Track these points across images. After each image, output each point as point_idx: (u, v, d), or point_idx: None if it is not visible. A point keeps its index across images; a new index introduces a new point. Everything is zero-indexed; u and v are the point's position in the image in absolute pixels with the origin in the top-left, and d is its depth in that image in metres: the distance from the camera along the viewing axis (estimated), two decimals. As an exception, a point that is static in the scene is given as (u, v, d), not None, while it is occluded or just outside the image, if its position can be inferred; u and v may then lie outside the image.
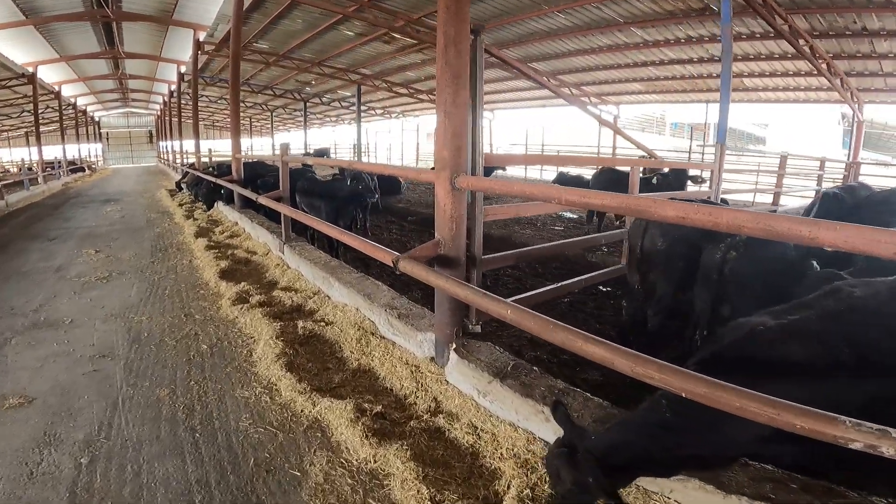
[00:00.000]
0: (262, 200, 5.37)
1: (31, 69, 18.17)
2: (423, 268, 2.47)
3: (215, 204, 10.00)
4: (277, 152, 5.93)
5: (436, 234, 2.87)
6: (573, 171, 15.29)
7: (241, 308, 4.25)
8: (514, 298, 3.52)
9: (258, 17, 13.05)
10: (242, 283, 4.88)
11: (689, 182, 7.04)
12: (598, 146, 17.68)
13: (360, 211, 7.45)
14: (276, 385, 3.07)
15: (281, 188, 5.59)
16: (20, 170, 18.62)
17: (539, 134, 20.04)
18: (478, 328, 3.05)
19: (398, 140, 32.15)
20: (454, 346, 2.90)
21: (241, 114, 35.45)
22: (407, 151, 31.74)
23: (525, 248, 3.68)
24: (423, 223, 10.24)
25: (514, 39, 12.54)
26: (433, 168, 2.92)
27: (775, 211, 9.15)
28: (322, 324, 3.88)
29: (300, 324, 3.82)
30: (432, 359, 3.09)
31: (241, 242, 6.95)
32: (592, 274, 4.20)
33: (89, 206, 12.03)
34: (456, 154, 2.66)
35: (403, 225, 9.95)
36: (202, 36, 14.62)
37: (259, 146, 42.38)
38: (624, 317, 4.00)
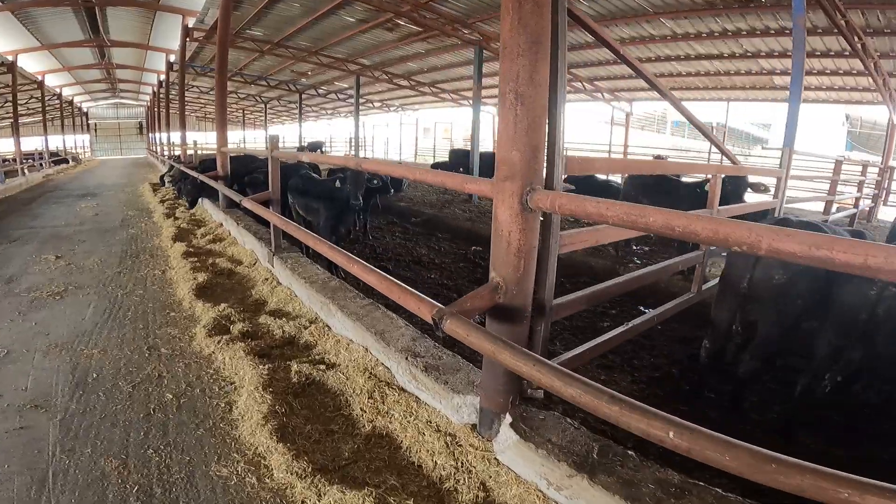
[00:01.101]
0: (248, 204, 4.49)
1: (10, 58, 17.09)
2: (481, 333, 1.62)
3: (199, 201, 9.10)
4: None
5: (491, 273, 2.02)
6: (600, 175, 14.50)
7: (220, 340, 3.38)
8: (580, 350, 2.68)
9: (252, 1, 12.09)
10: (223, 305, 4.01)
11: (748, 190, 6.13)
12: (609, 144, 16.81)
13: (361, 212, 6.57)
14: (264, 459, 2.25)
15: (270, 189, 4.70)
16: (3, 160, 17.47)
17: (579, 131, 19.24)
18: (540, 393, 2.20)
19: (396, 134, 31.22)
20: (510, 419, 2.05)
21: (235, 105, 34.48)
22: (404, 146, 30.84)
23: (602, 286, 2.82)
24: (429, 225, 9.35)
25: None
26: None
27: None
28: (322, 367, 3.02)
29: (294, 367, 2.96)
30: (474, 427, 2.25)
31: (224, 248, 6.06)
32: (663, 308, 3.35)
33: (64, 201, 11.06)
34: (531, 157, 1.82)
35: (407, 228, 9.08)
36: (191, 22, 13.62)
37: (252, 139, 41.24)
38: (702, 359, 3.18)
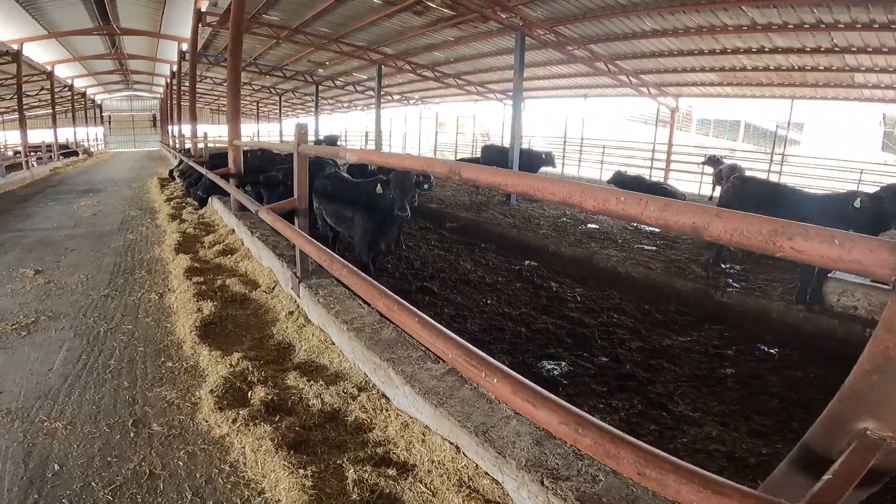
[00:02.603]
0: (266, 217, 3.42)
1: (15, 46, 16.25)
2: None
3: (209, 200, 8.07)
4: (289, 137, 3.97)
5: (859, 424, 0.88)
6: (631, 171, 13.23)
7: (236, 417, 2.35)
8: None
9: (268, -19, 11.03)
10: (237, 355, 2.96)
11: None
12: (653, 142, 15.46)
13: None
14: None
15: (296, 195, 3.60)
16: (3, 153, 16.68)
17: (578, 126, 17.82)
18: None
19: (413, 128, 30.06)
20: None
21: (248, 97, 33.63)
22: (421, 141, 29.67)
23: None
24: (468, 232, 8.20)
25: (572, 15, 10.40)
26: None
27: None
28: (391, 472, 1.96)
29: (350, 472, 1.91)
30: None
31: (236, 264, 4.99)
32: None
33: (63, 198, 10.12)
34: None
35: (443, 235, 7.93)
36: (204, 6, 12.59)
37: (266, 132, 40.35)
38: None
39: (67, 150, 24.01)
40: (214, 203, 7.89)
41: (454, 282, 5.73)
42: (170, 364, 3.07)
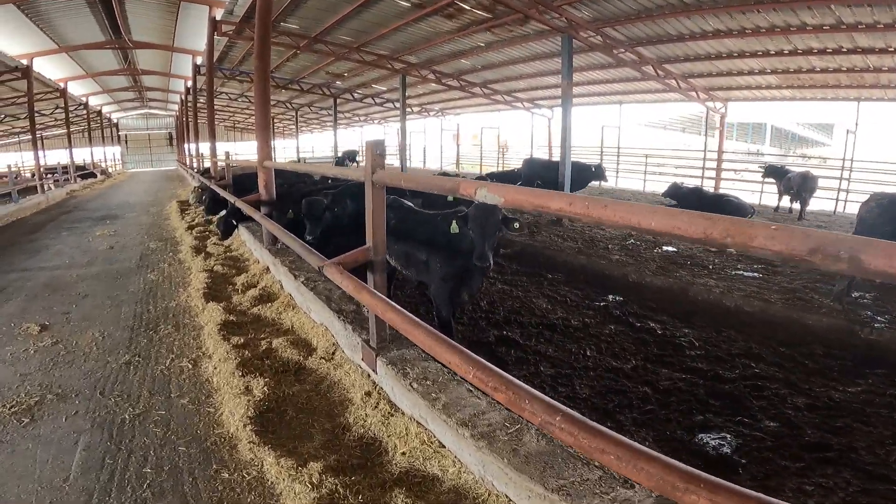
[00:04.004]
0: (334, 276, 2.52)
1: (25, 62, 15.77)
2: None
3: (235, 230, 7.22)
4: (309, 154, 3.06)
5: None
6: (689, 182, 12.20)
7: None
8: None
9: (288, -14, 10.30)
10: (313, 464, 2.20)
11: None
12: (704, 149, 14.33)
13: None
14: None
15: (369, 242, 2.69)
16: (16, 176, 16.08)
17: (614, 135, 16.77)
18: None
19: (433, 141, 29.32)
20: None
21: (263, 113, 33.44)
22: (438, 154, 28.90)
23: None
24: (527, 260, 7.15)
25: (622, 15, 9.48)
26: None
27: None
28: None
29: None
30: None
31: (279, 315, 4.09)
32: None
33: (78, 226, 9.38)
34: None
35: (499, 263, 6.88)
36: (219, 14, 11.94)
37: (282, 148, 39.89)
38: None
39: (85, 172, 23.59)
40: (241, 233, 7.05)
41: (535, 326, 4.76)
42: (226, 475, 2.20)
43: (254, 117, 35.06)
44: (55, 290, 5.11)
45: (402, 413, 2.55)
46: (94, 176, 24.51)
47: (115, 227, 9.06)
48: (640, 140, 24.19)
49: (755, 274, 6.22)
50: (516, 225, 3.23)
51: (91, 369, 3.27)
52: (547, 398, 1.32)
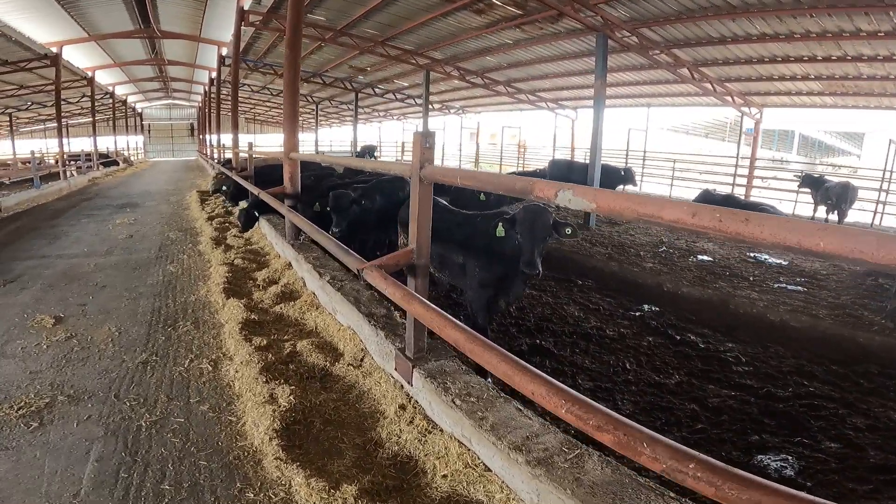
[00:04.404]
0: (375, 280, 2.30)
1: (55, 49, 15.88)
2: None
3: (255, 222, 7.06)
4: (327, 148, 2.82)
5: None
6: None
7: None
8: None
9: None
10: (347, 487, 1.99)
11: None
12: (736, 156, 13.82)
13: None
14: None
15: (413, 243, 2.44)
16: (39, 162, 16.21)
17: (639, 138, 16.30)
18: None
19: (451, 139, 29.05)
20: None
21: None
22: (454, 152, 28.62)
23: None
24: (555, 265, 6.82)
25: (661, 16, 9.11)
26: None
27: None
28: None
29: None
30: None
31: (302, 315, 3.88)
32: None
33: (99, 213, 9.34)
34: None
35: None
36: (247, 4, 11.83)
37: (301, 142, 39.91)
38: None
39: (107, 160, 23.83)
40: (262, 225, 6.89)
41: (569, 335, 4.49)
42: (251, 495, 2.00)
43: (274, 110, 35.19)
44: (72, 279, 4.98)
45: (441, 431, 2.31)
46: (116, 164, 24.75)
47: (135, 216, 8.99)
48: (662, 144, 23.60)
49: (799, 288, 5.85)
50: (569, 230, 2.97)
51: (106, 368, 3.09)
52: (673, 443, 1.07)
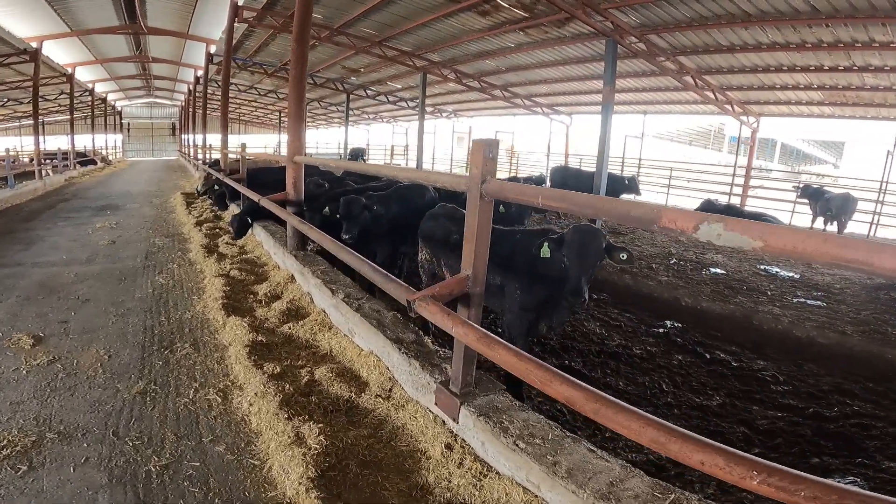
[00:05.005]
0: (432, 315, 1.98)
1: (34, 44, 15.13)
2: None
3: (249, 228, 6.66)
4: (313, 150, 2.49)
5: None
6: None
7: None
8: None
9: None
10: None
11: None
12: (734, 165, 13.80)
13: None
14: None
15: (468, 270, 2.14)
16: (13, 161, 15.38)
17: (634, 145, 16.23)
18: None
19: (441, 143, 28.81)
20: None
21: (271, 107, 32.66)
22: (444, 156, 28.39)
23: None
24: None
25: (671, 23, 8.99)
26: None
27: None
28: None
29: None
30: None
31: (314, 337, 3.52)
32: None
33: (76, 216, 8.78)
34: None
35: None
36: (241, -1, 11.39)
37: (285, 142, 39.15)
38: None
39: (85, 159, 22.93)
40: (257, 232, 6.48)
41: (596, 355, 4.23)
42: None
43: (260, 110, 34.41)
44: (51, 291, 4.52)
45: (498, 474, 2.03)
46: (94, 163, 23.83)
47: (116, 219, 8.46)
48: (649, 151, 23.71)
49: (819, 302, 5.70)
50: (624, 256, 2.68)
51: (98, 399, 2.70)
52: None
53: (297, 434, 2.29)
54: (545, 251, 2.72)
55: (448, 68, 15.07)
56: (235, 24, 11.51)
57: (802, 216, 11.48)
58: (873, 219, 11.21)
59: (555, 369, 1.55)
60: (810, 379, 4.04)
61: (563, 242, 2.70)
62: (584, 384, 1.47)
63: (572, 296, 2.64)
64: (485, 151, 1.99)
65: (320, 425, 2.37)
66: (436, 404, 2.42)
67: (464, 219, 3.54)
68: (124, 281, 4.90)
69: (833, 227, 10.35)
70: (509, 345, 1.67)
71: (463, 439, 2.26)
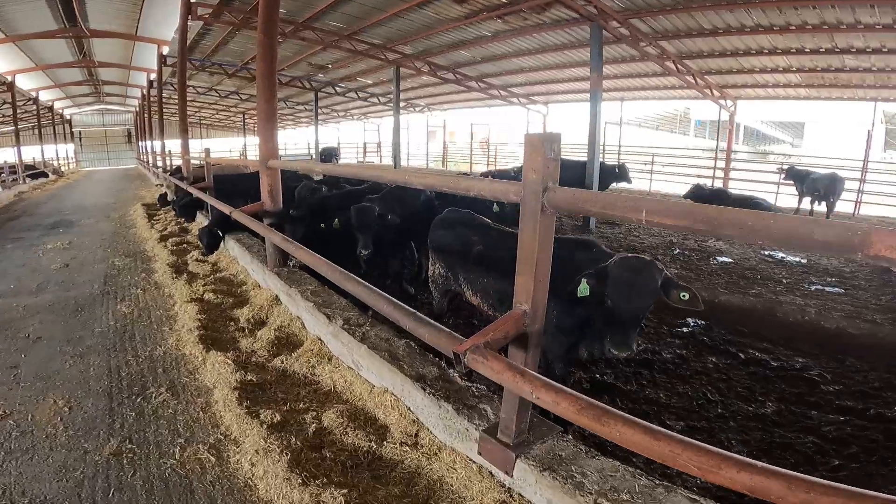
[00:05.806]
0: (498, 375, 1.48)
1: (-39, 53, 13.83)
2: None
3: (221, 242, 6.03)
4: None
5: None
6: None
7: None
8: None
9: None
10: None
11: None
12: (715, 150, 13.70)
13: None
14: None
15: (526, 305, 1.67)
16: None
17: (615, 133, 16.04)
18: None
19: (415, 138, 28.24)
20: None
21: (234, 108, 31.26)
22: (417, 151, 27.88)
23: None
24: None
25: (655, 7, 8.70)
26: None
27: None
28: None
29: None
30: None
31: (312, 371, 3.01)
32: None
33: (26, 236, 7.90)
34: None
35: None
36: (194, -6, 10.52)
37: (254, 146, 37.82)
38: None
39: (35, 171, 21.36)
40: (232, 247, 5.86)
41: (626, 363, 3.84)
42: None
43: (222, 113, 32.97)
44: (-6, 329, 3.85)
45: None
46: (46, 175, 22.24)
47: (69, 238, 7.63)
48: (624, 138, 23.73)
49: (837, 289, 5.50)
50: (686, 296, 2.12)
51: (64, 464, 2.16)
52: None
53: (318, 505, 1.80)
54: (583, 289, 2.20)
55: (421, 61, 14.51)
56: (189, 23, 10.66)
57: (787, 197, 11.47)
58: (858, 196, 11.31)
59: (723, 451, 1.09)
60: (857, 375, 3.76)
61: (605, 277, 2.19)
62: (782, 470, 1.01)
63: (616, 347, 2.14)
64: (545, 149, 1.52)
65: (343, 491, 1.89)
66: (479, 454, 1.97)
67: (484, 228, 3.09)
68: (81, 312, 4.24)
69: (821, 208, 10.35)
70: (635, 419, 1.21)
71: (520, 494, 1.83)
